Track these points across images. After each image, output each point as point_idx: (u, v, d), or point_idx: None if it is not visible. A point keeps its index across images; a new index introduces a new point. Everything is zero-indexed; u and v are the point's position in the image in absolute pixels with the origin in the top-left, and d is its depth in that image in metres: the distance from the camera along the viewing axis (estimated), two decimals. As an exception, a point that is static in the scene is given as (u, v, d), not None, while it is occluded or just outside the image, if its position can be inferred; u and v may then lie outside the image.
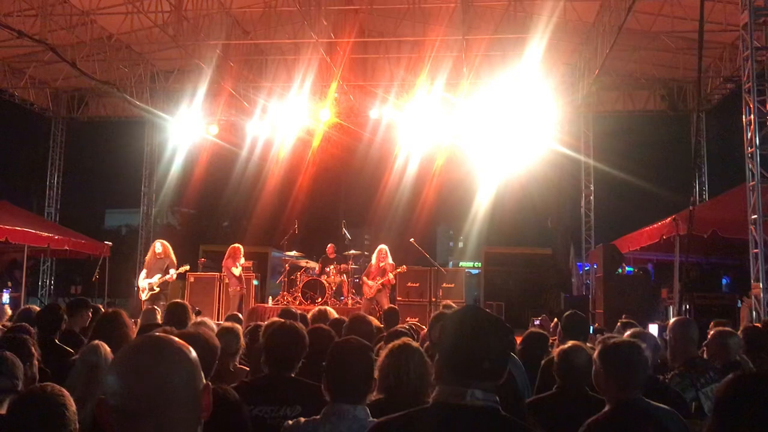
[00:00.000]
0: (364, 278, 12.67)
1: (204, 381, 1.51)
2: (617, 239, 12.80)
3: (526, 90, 13.15)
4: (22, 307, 7.27)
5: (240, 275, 12.57)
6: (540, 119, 13.90)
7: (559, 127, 14.70)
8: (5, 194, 17.57)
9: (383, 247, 12.79)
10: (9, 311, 7.41)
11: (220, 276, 13.47)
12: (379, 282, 12.37)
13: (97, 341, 3.80)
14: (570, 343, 3.72)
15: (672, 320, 4.75)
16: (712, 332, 4.82)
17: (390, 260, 12.62)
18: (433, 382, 2.03)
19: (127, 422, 1.42)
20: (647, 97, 16.13)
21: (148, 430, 1.42)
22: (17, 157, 24.17)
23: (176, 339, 1.54)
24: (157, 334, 1.60)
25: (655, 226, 10.86)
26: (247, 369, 4.40)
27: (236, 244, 12.93)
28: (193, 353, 1.52)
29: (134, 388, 1.43)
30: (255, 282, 13.80)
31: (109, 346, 4.08)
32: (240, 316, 7.65)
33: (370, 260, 13.00)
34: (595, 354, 3.19)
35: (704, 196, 15.43)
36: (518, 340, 4.91)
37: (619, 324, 5.73)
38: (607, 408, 3.01)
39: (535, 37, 11.53)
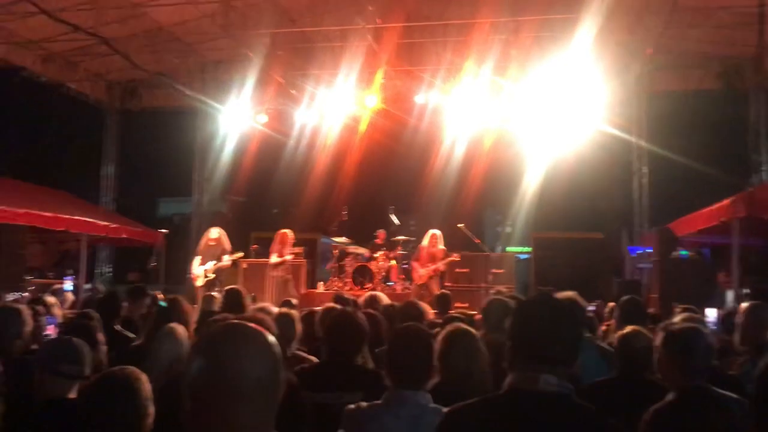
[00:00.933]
0: (414, 263, 12.68)
1: (283, 373, 1.53)
2: (672, 222, 12.51)
3: (577, 71, 12.91)
4: (84, 291, 7.50)
5: (282, 262, 12.55)
6: (590, 101, 13.64)
7: (610, 108, 14.38)
8: (64, 185, 18.10)
9: (436, 232, 12.75)
10: (71, 297, 7.66)
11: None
12: (430, 269, 12.36)
13: (172, 324, 3.91)
14: (629, 327, 3.67)
15: (746, 304, 4.61)
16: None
17: (441, 246, 12.59)
18: (506, 369, 2.05)
19: (207, 408, 1.44)
20: (702, 75, 15.62)
21: (227, 417, 1.44)
22: (74, 149, 24.82)
23: (260, 328, 1.55)
24: (240, 321, 1.61)
25: (713, 208, 10.57)
26: (305, 355, 4.47)
27: (284, 230, 12.96)
28: (272, 339, 1.53)
29: (216, 374, 1.44)
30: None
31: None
32: (293, 301, 7.74)
33: (420, 245, 13.01)
34: (658, 341, 3.14)
35: (764, 178, 14.92)
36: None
37: (677, 310, 5.60)
38: (671, 395, 2.96)
39: (587, 16, 11.28)
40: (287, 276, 12.60)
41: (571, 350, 2.00)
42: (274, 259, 12.60)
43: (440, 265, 12.39)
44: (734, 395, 2.96)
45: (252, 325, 1.55)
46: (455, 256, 12.65)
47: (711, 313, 6.95)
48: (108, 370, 2.64)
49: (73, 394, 2.99)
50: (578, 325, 2.09)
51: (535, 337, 1.99)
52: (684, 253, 13.43)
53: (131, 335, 5.07)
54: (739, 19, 12.47)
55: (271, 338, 1.53)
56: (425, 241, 12.69)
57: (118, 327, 5.23)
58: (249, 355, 1.47)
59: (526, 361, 1.98)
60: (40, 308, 4.97)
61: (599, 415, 1.99)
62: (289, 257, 12.59)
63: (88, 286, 14.09)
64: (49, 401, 2.97)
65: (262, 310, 4.51)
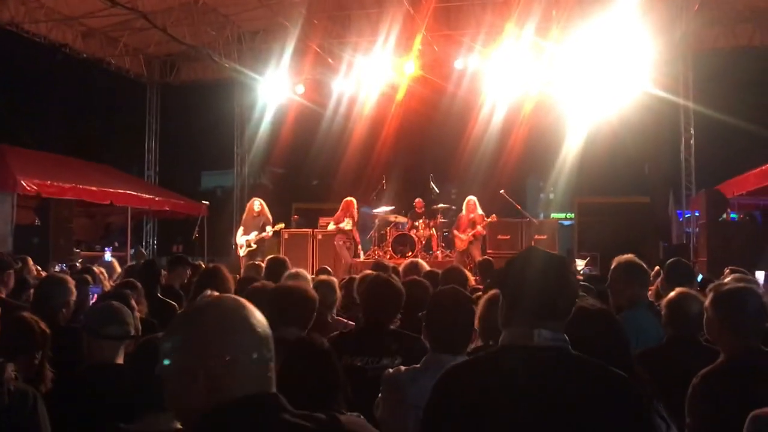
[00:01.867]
0: (455, 231, 12.62)
1: (272, 352, 1.55)
2: (721, 184, 12.15)
3: (620, 31, 12.51)
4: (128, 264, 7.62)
5: (340, 228, 12.57)
6: (635, 61, 13.23)
7: (655, 68, 13.92)
8: (108, 159, 18.46)
9: (472, 198, 12.68)
10: (118, 268, 7.80)
11: (313, 232, 13.74)
12: (470, 234, 12.30)
13: (207, 291, 3.94)
14: (678, 290, 3.54)
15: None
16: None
17: (479, 211, 12.50)
18: (500, 326, 2.01)
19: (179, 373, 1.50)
20: (752, 31, 14.98)
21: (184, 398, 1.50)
22: (116, 124, 25.27)
23: (243, 303, 1.58)
24: (224, 298, 1.65)
25: (764, 168, 10.25)
26: (345, 320, 4.47)
27: (349, 198, 12.96)
28: (268, 338, 1.55)
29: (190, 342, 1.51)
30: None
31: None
32: (329, 269, 7.70)
33: (459, 213, 12.93)
34: (708, 302, 3.02)
35: (818, 136, 14.37)
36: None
37: (727, 271, 5.43)
38: (722, 358, 2.86)
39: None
40: (347, 243, 12.61)
41: (564, 304, 1.95)
42: (331, 226, 12.65)
43: (479, 229, 12.31)
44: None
45: (236, 300, 1.58)
46: (493, 217, 12.56)
47: (761, 276, 6.73)
48: (150, 336, 2.66)
49: (120, 359, 3.04)
50: (570, 278, 2.01)
51: (527, 291, 1.95)
52: (734, 216, 13.07)
53: (173, 303, 5.14)
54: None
55: (254, 316, 1.56)
56: (463, 209, 12.63)
57: (159, 295, 5.30)
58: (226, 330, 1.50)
59: (520, 317, 1.94)
60: (87, 277, 5.06)
61: (599, 365, 1.93)
62: (347, 226, 12.54)
63: (131, 252, 14.40)
64: (96, 365, 3.02)
65: (297, 276, 4.51)
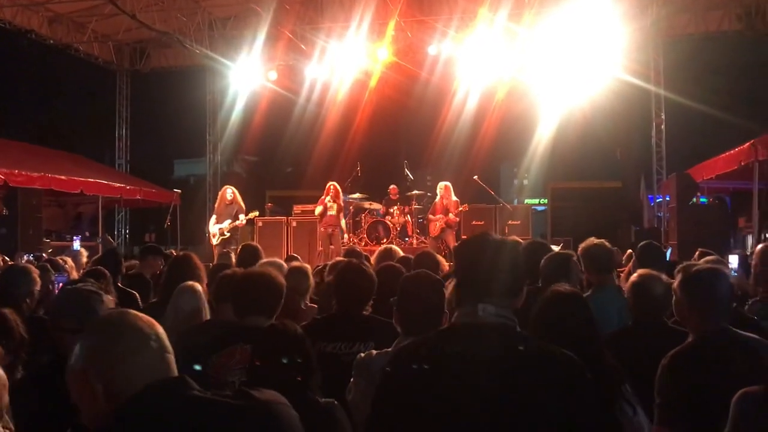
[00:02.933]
0: (430, 216, 12.63)
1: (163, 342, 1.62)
2: (690, 168, 12.31)
3: (592, 17, 12.56)
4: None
5: (323, 213, 12.23)
6: (606, 47, 13.30)
7: (626, 54, 14.01)
8: (77, 148, 18.17)
9: (446, 183, 12.68)
10: (85, 258, 7.69)
11: (287, 220, 13.66)
12: (443, 220, 12.31)
13: (191, 282, 3.90)
14: (642, 271, 3.55)
15: (758, 246, 4.50)
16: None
17: (453, 197, 12.52)
18: (454, 307, 2.06)
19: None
20: (721, 17, 15.13)
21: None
22: (86, 111, 24.84)
23: (126, 314, 1.67)
24: (112, 311, 1.83)
25: (732, 152, 10.38)
26: (317, 307, 4.44)
27: (332, 182, 12.53)
28: (156, 334, 1.62)
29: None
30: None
31: (181, 288, 4.18)
32: (297, 256, 7.57)
33: (434, 200, 12.94)
34: (676, 283, 3.04)
35: (785, 120, 14.58)
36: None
37: (697, 254, 5.50)
38: (690, 338, 2.89)
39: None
40: (329, 230, 12.21)
41: (509, 281, 1.99)
42: (318, 210, 12.36)
43: (452, 216, 12.34)
44: (757, 336, 2.88)
45: (122, 311, 1.69)
46: (464, 207, 12.58)
47: (733, 260, 6.83)
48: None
49: None
50: (517, 258, 2.05)
51: (473, 271, 2.01)
52: (703, 199, 13.26)
53: (134, 292, 5.07)
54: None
55: (152, 332, 1.62)
56: (437, 195, 12.64)
57: (120, 284, 5.23)
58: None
59: (467, 295, 1.99)
60: (51, 265, 4.98)
61: (541, 343, 1.97)
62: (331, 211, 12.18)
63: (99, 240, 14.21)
64: (64, 356, 2.96)
65: (272, 264, 4.47)
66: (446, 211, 12.37)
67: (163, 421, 1.50)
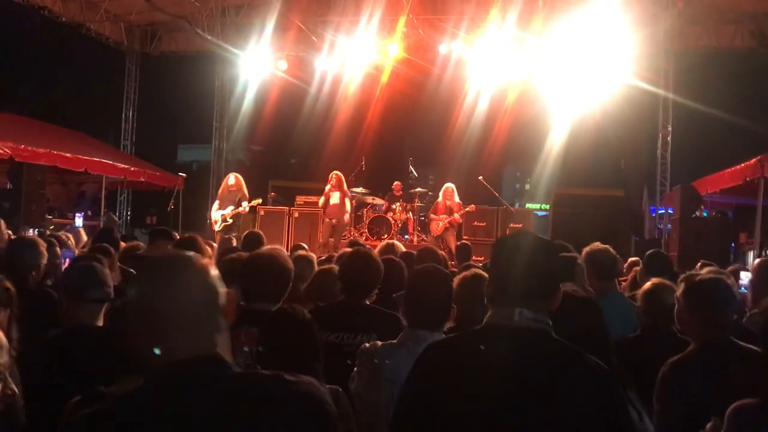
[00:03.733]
0: (432, 215, 12.65)
1: (223, 298, 1.59)
2: (695, 181, 12.31)
3: (604, 23, 12.55)
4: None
5: (326, 204, 12.14)
6: (617, 54, 13.29)
7: (637, 62, 14.00)
8: (83, 127, 18.14)
9: (450, 185, 12.70)
10: (84, 235, 7.70)
11: (289, 210, 13.68)
12: (446, 220, 12.34)
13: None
14: (655, 280, 3.58)
15: (756, 261, 4.52)
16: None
17: (456, 199, 12.54)
18: (487, 306, 2.04)
19: (140, 333, 1.55)
20: (734, 32, 15.11)
21: (156, 341, 1.52)
22: (94, 91, 24.84)
23: (194, 256, 1.63)
24: (181, 252, 1.68)
25: (738, 167, 10.37)
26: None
27: (336, 171, 12.45)
28: (212, 271, 1.60)
29: (145, 300, 1.55)
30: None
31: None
32: (305, 245, 7.58)
33: (437, 199, 12.96)
34: (679, 292, 3.06)
35: (792, 139, 14.56)
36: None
37: (698, 265, 5.50)
38: (691, 346, 2.91)
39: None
40: (333, 220, 12.14)
41: (546, 284, 1.98)
42: (321, 201, 12.29)
43: (456, 216, 12.37)
44: (757, 348, 2.90)
45: (190, 254, 1.62)
46: (471, 207, 12.61)
47: (745, 276, 6.74)
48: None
49: (100, 322, 3.01)
50: (552, 259, 2.04)
51: (509, 271, 1.97)
52: (705, 213, 13.27)
53: (132, 270, 5.07)
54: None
55: (207, 267, 1.60)
56: (440, 196, 12.65)
57: (118, 264, 5.24)
58: (180, 283, 1.55)
59: (503, 296, 1.97)
60: (58, 240, 4.99)
61: (578, 351, 1.94)
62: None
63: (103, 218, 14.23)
64: (75, 328, 2.98)
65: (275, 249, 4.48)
66: (450, 212, 12.39)
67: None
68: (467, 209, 12.56)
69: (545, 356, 1.90)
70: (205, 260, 1.63)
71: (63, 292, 3.07)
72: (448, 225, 12.39)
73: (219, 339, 1.57)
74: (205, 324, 1.54)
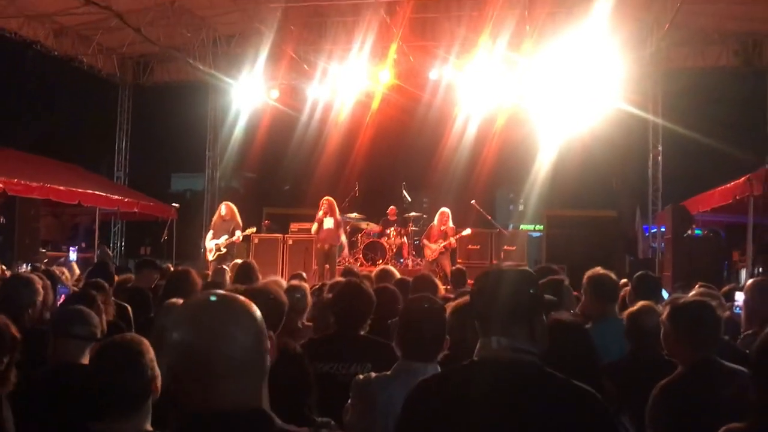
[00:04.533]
0: (425, 241, 12.67)
1: (269, 341, 1.52)
2: (686, 200, 12.40)
3: (592, 47, 12.72)
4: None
5: (319, 230, 11.88)
6: (605, 77, 13.45)
7: (625, 85, 14.18)
8: (77, 159, 18.19)
9: (445, 210, 12.74)
10: (77, 269, 7.71)
11: (284, 237, 13.70)
12: (441, 245, 12.36)
13: (172, 300, 3.92)
14: (640, 303, 3.61)
15: (749, 281, 4.55)
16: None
17: (451, 224, 12.58)
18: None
19: (184, 379, 1.44)
20: (720, 52, 15.34)
21: (202, 389, 1.42)
22: (87, 123, 24.92)
23: (241, 298, 1.54)
24: (222, 291, 1.59)
25: (728, 186, 10.46)
26: (312, 325, 4.48)
27: (328, 197, 12.18)
28: (258, 313, 1.52)
29: (193, 345, 1.43)
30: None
31: (181, 304, 4.21)
32: (303, 274, 7.65)
33: (431, 222, 13.00)
34: (664, 315, 3.10)
35: (780, 156, 14.70)
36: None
37: (696, 288, 5.54)
38: (679, 369, 2.94)
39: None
40: (325, 246, 11.91)
41: (520, 310, 1.99)
42: (314, 228, 12.05)
43: (452, 241, 12.40)
44: (744, 369, 2.93)
45: (234, 296, 1.54)
46: (467, 232, 12.65)
47: (739, 296, 6.77)
48: (111, 338, 2.66)
49: (85, 360, 3.03)
50: (529, 287, 2.06)
51: (487, 301, 2.01)
52: (698, 232, 13.33)
53: (126, 305, 5.09)
54: (758, -6, 12.24)
55: (255, 311, 1.52)
56: (435, 220, 12.69)
57: (112, 297, 5.25)
58: (231, 328, 1.45)
59: (483, 327, 2.00)
60: (55, 276, 5.01)
61: (567, 381, 1.95)
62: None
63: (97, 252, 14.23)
64: (61, 365, 3.00)
65: (272, 282, 4.51)
66: (444, 236, 12.41)
67: None
68: (464, 233, 12.56)
69: (536, 390, 1.91)
70: (251, 303, 1.54)
71: (50, 329, 3.10)
72: (443, 249, 12.41)
73: (264, 389, 1.51)
74: (252, 371, 1.48)
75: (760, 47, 14.75)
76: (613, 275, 4.40)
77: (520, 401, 1.89)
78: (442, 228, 12.49)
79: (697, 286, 5.56)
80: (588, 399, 1.93)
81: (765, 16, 12.89)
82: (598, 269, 4.41)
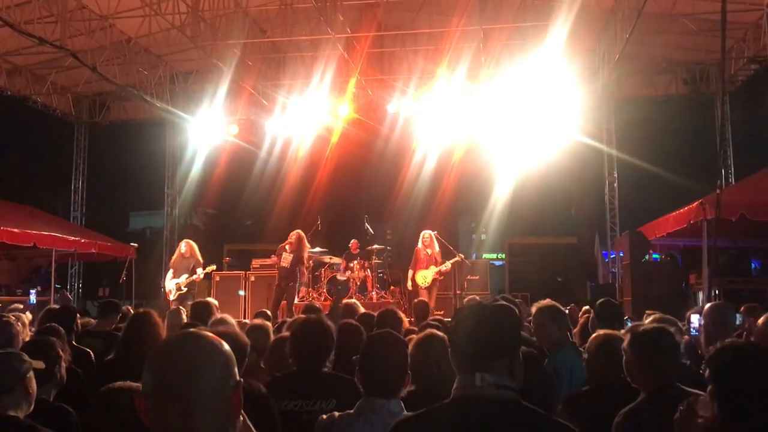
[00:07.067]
0: (411, 271, 12.38)
1: (237, 378, 1.55)
2: (643, 226, 12.66)
3: (547, 79, 13.00)
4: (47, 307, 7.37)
5: (284, 265, 11.72)
6: (561, 108, 13.74)
7: (580, 115, 14.52)
8: (32, 200, 17.79)
9: (428, 232, 12.42)
10: (29, 316, 7.49)
11: (245, 274, 13.55)
12: (436, 270, 12.09)
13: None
14: (602, 332, 3.65)
15: (707, 305, 4.64)
16: (763, 318, 4.57)
17: (437, 248, 12.31)
18: (445, 367, 2.11)
19: (156, 410, 1.46)
20: (669, 81, 15.91)
21: (175, 419, 1.45)
22: (42, 163, 24.49)
23: (211, 335, 1.57)
24: (193, 330, 1.63)
25: (682, 211, 10.72)
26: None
27: (297, 230, 12.08)
28: (227, 348, 1.56)
29: (164, 376, 1.47)
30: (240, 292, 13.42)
31: (141, 346, 4.12)
32: (268, 312, 7.58)
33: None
34: (625, 343, 3.14)
35: (730, 180, 15.15)
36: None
37: (647, 314, 5.63)
38: (642, 396, 2.97)
39: (555, 24, 11.38)
40: (282, 283, 11.80)
41: (499, 345, 1.99)
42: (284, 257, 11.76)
43: (448, 265, 12.14)
44: (703, 393, 2.97)
45: (205, 332, 1.57)
46: (458, 257, 12.37)
47: (695, 318, 6.88)
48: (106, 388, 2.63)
49: (12, 411, 2.95)
50: (508, 322, 2.06)
51: (466, 338, 2.00)
52: (656, 256, 13.61)
53: (87, 350, 4.97)
54: (703, 25, 12.72)
55: (224, 345, 1.55)
56: (419, 244, 12.49)
57: (74, 342, 5.12)
58: (198, 359, 1.48)
59: (463, 364, 1.99)
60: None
61: (545, 417, 1.96)
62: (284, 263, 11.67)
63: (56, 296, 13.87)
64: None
65: (222, 321, 4.43)
66: (434, 261, 12.21)
67: None
68: (457, 259, 12.33)
69: (526, 428, 1.92)
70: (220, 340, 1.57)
71: None
72: (437, 276, 12.22)
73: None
74: (220, 407, 1.50)
75: (707, 76, 15.31)
76: (555, 304, 4.42)
77: None
78: (428, 252, 12.25)
79: (647, 313, 5.64)
80: None
81: (710, 47, 13.38)
82: (544, 301, 4.45)
